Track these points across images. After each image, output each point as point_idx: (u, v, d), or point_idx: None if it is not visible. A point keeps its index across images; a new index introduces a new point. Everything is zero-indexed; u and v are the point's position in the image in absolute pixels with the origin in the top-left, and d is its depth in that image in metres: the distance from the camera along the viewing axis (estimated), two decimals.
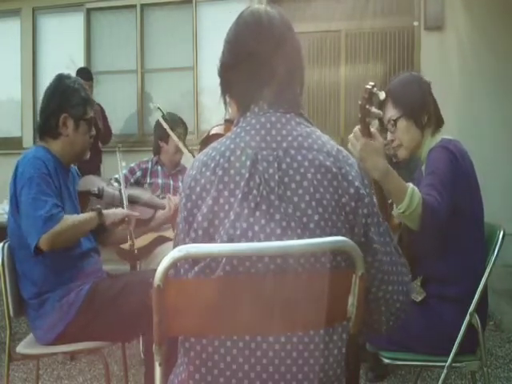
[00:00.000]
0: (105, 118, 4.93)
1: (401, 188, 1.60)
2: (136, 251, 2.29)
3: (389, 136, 1.90)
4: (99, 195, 2.26)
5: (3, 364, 1.98)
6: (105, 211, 2.01)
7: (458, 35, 5.28)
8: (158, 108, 2.70)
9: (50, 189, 1.88)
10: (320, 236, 1.02)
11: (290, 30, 1.17)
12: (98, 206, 2.02)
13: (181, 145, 2.63)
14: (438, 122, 1.92)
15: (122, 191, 2.30)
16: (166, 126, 2.70)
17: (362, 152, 1.56)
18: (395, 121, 1.87)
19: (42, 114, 2.04)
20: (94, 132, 2.11)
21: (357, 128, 1.59)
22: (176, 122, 3.13)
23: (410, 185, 1.61)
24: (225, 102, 1.22)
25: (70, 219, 1.86)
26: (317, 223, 1.03)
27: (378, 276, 1.10)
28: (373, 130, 1.58)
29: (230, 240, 1.01)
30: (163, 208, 2.51)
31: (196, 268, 1.04)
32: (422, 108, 1.87)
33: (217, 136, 2.17)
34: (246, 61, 1.14)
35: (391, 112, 1.88)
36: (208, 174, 1.07)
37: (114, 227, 2.12)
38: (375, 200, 1.13)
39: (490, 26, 5.14)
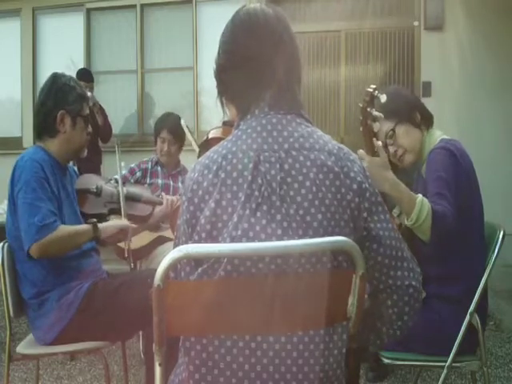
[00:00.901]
0: (105, 117, 4.93)
1: (410, 198, 1.63)
2: (132, 261, 2.30)
3: (391, 149, 1.93)
4: (97, 193, 2.26)
5: (3, 364, 1.98)
6: (100, 225, 2.00)
7: (457, 35, 5.28)
8: (187, 127, 2.77)
9: (46, 194, 1.87)
10: (323, 235, 1.02)
11: (287, 28, 1.15)
12: (94, 220, 2.00)
13: (195, 147, 2.63)
14: (430, 117, 1.96)
15: (120, 189, 2.30)
16: (187, 131, 2.74)
17: (369, 169, 1.58)
18: (393, 130, 1.90)
19: (38, 113, 2.04)
20: (90, 129, 2.11)
21: (361, 151, 1.62)
22: (163, 124, 3.11)
23: (420, 195, 1.64)
24: (221, 104, 1.21)
25: (63, 231, 1.84)
26: (320, 222, 1.03)
27: (385, 262, 1.10)
28: (377, 144, 1.61)
29: (232, 242, 1.01)
30: (161, 204, 2.51)
31: (199, 269, 1.04)
32: (412, 108, 1.92)
33: (215, 139, 2.17)
34: (244, 63, 1.13)
35: (386, 125, 1.90)
36: (210, 176, 1.07)
37: (111, 240, 2.09)
38: (377, 190, 1.13)
39: (490, 26, 5.14)
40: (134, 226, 2.17)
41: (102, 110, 4.89)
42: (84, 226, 1.96)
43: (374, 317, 1.14)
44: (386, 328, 1.16)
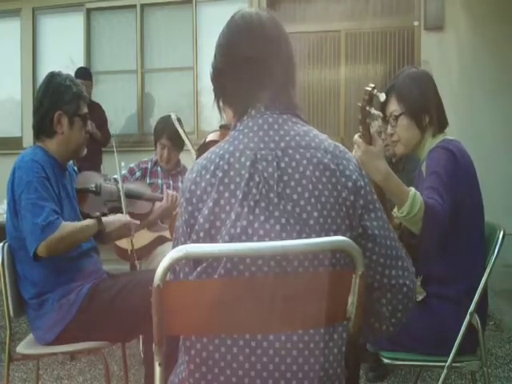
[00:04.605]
0: (105, 121, 4.92)
1: (402, 191, 1.61)
2: (136, 259, 2.28)
3: (389, 129, 1.91)
4: (97, 192, 2.25)
5: (3, 364, 1.99)
6: (104, 219, 2.00)
7: (457, 35, 5.28)
8: (178, 119, 2.60)
9: (48, 193, 1.87)
10: (319, 232, 1.03)
11: (281, 31, 1.19)
12: (98, 214, 2.01)
13: (190, 147, 2.57)
14: (442, 124, 1.89)
15: (120, 187, 2.29)
16: (181, 131, 2.61)
17: (363, 157, 1.58)
18: (397, 117, 1.87)
19: (35, 114, 2.03)
20: (89, 127, 2.10)
21: (356, 136, 1.60)
22: (162, 129, 3.02)
23: (412, 189, 1.62)
24: (218, 107, 1.23)
25: (68, 226, 1.85)
26: (316, 220, 1.04)
27: (381, 261, 1.11)
28: (372, 131, 1.59)
29: (232, 239, 1.02)
30: (161, 200, 2.50)
31: (198, 268, 1.04)
32: (424, 109, 1.85)
33: (213, 142, 2.15)
34: (240, 66, 1.15)
35: (394, 106, 1.87)
36: (208, 176, 1.08)
37: (114, 235, 2.11)
38: (373, 189, 1.14)
39: (490, 26, 5.14)
40: (137, 222, 2.18)
41: (103, 114, 4.89)
42: (88, 221, 1.97)
43: (368, 312, 1.15)
44: (379, 324, 1.17)
